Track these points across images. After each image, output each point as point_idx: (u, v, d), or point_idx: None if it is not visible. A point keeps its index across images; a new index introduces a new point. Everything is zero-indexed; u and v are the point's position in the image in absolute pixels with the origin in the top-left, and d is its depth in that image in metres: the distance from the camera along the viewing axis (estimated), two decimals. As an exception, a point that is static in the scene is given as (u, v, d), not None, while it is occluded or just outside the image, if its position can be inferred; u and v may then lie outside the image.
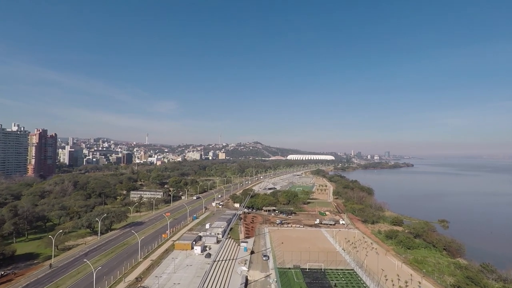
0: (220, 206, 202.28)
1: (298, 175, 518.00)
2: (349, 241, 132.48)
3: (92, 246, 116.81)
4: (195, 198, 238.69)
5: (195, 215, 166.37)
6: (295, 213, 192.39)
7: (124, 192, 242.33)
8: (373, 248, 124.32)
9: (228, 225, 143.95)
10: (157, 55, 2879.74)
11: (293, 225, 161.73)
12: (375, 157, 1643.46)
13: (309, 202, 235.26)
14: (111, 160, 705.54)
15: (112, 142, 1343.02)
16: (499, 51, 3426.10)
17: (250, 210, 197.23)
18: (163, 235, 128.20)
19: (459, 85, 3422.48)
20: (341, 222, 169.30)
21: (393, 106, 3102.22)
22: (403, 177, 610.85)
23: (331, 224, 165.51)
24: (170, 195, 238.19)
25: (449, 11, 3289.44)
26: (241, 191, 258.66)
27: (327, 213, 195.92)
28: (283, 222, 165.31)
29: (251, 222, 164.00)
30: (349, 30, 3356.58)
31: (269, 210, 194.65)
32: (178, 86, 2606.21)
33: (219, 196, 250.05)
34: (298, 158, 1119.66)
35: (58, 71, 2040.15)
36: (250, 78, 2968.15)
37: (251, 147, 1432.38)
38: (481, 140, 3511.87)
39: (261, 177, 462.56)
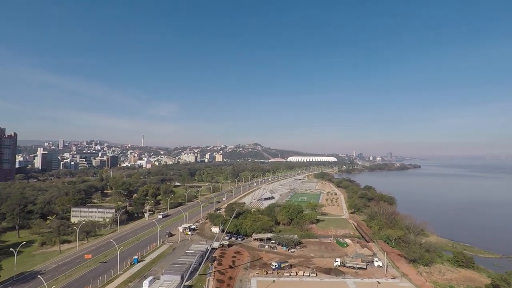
0: (189, 232, 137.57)
1: (300, 179, 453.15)
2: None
3: None
4: (161, 216, 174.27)
5: (136, 257, 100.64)
6: (300, 242, 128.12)
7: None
8: None
9: (189, 275, 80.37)
10: (158, 57, 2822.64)
11: (298, 271, 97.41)
12: (377, 158, 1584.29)
13: (318, 220, 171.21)
14: (94, 164, 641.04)
15: (106, 144, 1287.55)
16: (501, 51, 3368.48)
17: (234, 238, 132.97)
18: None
19: (461, 85, 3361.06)
20: (375, 263, 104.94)
21: (393, 106, 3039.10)
22: (417, 180, 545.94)
23: (361, 268, 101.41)
24: (127, 212, 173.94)
25: (452, 9, 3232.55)
26: (226, 205, 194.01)
27: (347, 241, 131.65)
28: (282, 265, 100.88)
29: (230, 267, 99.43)
30: (350, 29, 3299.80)
31: (261, 240, 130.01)
32: (179, 88, 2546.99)
33: (200, 209, 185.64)
34: (299, 160, 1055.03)
35: (55, 73, 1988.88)
36: (250, 79, 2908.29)
37: (250, 149, 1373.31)
38: (482, 141, 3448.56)
39: (259, 182, 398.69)
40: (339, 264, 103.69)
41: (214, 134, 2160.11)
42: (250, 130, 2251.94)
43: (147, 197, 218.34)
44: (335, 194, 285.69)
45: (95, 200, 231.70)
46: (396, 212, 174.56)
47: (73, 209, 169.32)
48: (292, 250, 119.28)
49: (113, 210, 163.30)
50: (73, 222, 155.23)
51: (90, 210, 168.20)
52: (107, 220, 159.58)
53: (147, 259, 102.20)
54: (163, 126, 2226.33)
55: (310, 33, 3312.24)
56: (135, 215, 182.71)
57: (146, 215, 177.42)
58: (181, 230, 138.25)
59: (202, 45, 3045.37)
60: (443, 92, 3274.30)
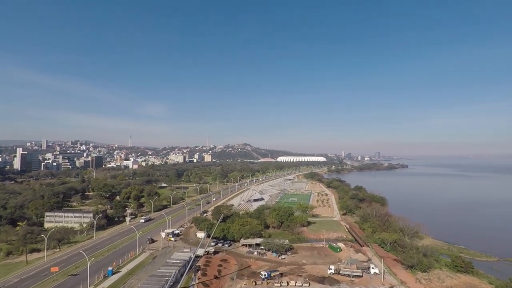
0: (173, 238, 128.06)
1: (290, 179, 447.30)
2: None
3: None
4: (143, 221, 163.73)
5: (110, 269, 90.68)
6: (291, 248, 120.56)
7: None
8: None
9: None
10: (146, 56, 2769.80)
11: (290, 281, 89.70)
12: (366, 158, 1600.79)
13: (309, 223, 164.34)
14: (77, 165, 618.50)
15: (91, 144, 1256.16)
16: (487, 53, 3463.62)
17: (221, 244, 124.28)
18: None
19: (446, 87, 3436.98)
20: (372, 270, 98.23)
21: (380, 107, 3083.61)
22: (406, 180, 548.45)
23: (356, 276, 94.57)
24: (107, 216, 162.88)
25: (444, 10, 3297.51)
26: (213, 208, 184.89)
27: (341, 245, 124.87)
28: (272, 274, 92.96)
29: (215, 277, 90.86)
30: (339, 29, 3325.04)
31: (250, 246, 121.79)
32: (168, 87, 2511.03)
33: (186, 212, 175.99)
34: (289, 160, 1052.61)
35: (40, 71, 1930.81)
36: (239, 79, 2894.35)
37: (239, 149, 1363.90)
38: (466, 141, 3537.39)
39: (248, 182, 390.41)
40: (333, 271, 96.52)
41: (203, 134, 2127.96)
42: (240, 130, 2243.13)
43: (130, 199, 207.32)
44: (326, 194, 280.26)
45: (74, 204, 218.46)
46: (389, 214, 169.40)
47: (47, 214, 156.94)
48: (283, 256, 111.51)
49: (91, 215, 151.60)
50: (46, 228, 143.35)
51: (66, 214, 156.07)
52: (84, 225, 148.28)
53: (124, 270, 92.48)
54: (151, 126, 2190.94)
55: (297, 33, 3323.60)
56: (116, 219, 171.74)
57: (127, 219, 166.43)
58: (163, 236, 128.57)
59: (191, 45, 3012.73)
60: (429, 93, 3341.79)
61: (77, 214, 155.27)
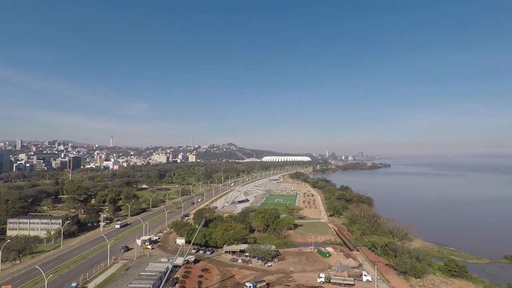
0: (149, 246, 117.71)
1: (275, 180, 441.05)
2: None
3: None
4: (119, 226, 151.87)
5: (74, 285, 79.51)
6: (278, 253, 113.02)
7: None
8: None
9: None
10: (127, 54, 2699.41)
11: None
12: (349, 158, 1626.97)
13: (296, 225, 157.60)
14: (53, 166, 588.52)
15: (70, 144, 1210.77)
16: (462, 56, 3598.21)
17: (202, 251, 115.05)
18: None
19: (425, 89, 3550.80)
20: (364, 278, 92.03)
21: (362, 107, 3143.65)
22: (389, 179, 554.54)
23: (348, 284, 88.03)
24: (79, 222, 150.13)
25: (420, 13, 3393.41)
26: (195, 211, 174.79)
27: (330, 250, 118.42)
28: (258, 285, 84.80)
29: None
30: (319, 31, 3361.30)
31: (233, 253, 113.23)
32: (151, 86, 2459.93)
33: (165, 216, 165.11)
34: (274, 160, 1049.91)
35: (14, 69, 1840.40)
36: (224, 78, 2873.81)
37: (224, 149, 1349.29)
38: (443, 141, 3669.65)
39: (233, 183, 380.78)
40: (323, 280, 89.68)
41: (188, 134, 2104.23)
42: (225, 130, 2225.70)
43: (106, 203, 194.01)
44: (312, 195, 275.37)
45: (45, 208, 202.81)
46: (377, 215, 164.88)
47: (9, 220, 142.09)
48: (269, 264, 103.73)
49: (60, 221, 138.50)
50: (9, 236, 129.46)
51: (32, 221, 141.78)
52: (52, 232, 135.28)
53: (91, 285, 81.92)
54: (134, 126, 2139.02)
55: (282, 34, 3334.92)
56: (89, 225, 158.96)
57: (102, 224, 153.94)
58: (139, 244, 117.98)
59: (174, 43, 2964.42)
60: (408, 95, 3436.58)
61: (44, 220, 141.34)
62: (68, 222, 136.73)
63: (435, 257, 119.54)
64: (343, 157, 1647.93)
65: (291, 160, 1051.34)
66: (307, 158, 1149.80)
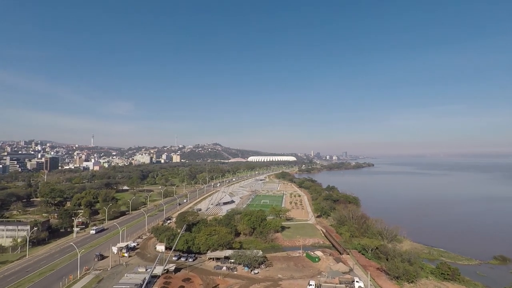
0: (126, 254, 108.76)
1: (261, 180, 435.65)
2: None
3: None
4: (94, 232, 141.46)
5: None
6: (265, 259, 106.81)
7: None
8: None
9: None
10: (109, 53, 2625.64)
11: (265, 303, 75.90)
12: (334, 157, 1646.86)
13: (283, 228, 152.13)
14: (28, 167, 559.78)
15: (48, 144, 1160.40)
16: (445, 59, 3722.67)
17: (184, 258, 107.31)
18: None
19: (405, 90, 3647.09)
20: (356, 284, 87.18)
21: (346, 108, 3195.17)
22: (373, 179, 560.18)
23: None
24: (50, 228, 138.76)
25: (406, 15, 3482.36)
26: (177, 214, 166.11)
27: (319, 254, 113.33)
28: (244, 296, 78.46)
29: (174, 305, 74.54)
30: (303, 33, 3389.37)
31: (218, 259, 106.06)
32: (134, 85, 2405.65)
33: (145, 220, 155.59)
34: (259, 160, 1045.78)
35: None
36: (209, 77, 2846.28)
37: (209, 149, 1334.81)
38: (423, 141, 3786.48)
39: (218, 184, 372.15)
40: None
41: (172, 134, 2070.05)
42: (210, 130, 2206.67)
43: (81, 206, 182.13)
44: (299, 195, 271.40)
45: (14, 213, 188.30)
46: (366, 216, 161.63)
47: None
48: (256, 271, 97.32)
49: (29, 226, 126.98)
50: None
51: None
52: (19, 240, 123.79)
53: (56, 302, 73.03)
54: (116, 125, 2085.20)
55: (267, 35, 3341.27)
56: (62, 230, 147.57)
57: (75, 230, 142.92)
58: (115, 251, 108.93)
59: (158, 42, 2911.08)
60: (390, 96, 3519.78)
61: (10, 227, 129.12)
62: (37, 228, 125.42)
63: (425, 259, 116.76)
64: (328, 157, 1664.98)
65: (276, 160, 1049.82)
66: (292, 158, 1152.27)
